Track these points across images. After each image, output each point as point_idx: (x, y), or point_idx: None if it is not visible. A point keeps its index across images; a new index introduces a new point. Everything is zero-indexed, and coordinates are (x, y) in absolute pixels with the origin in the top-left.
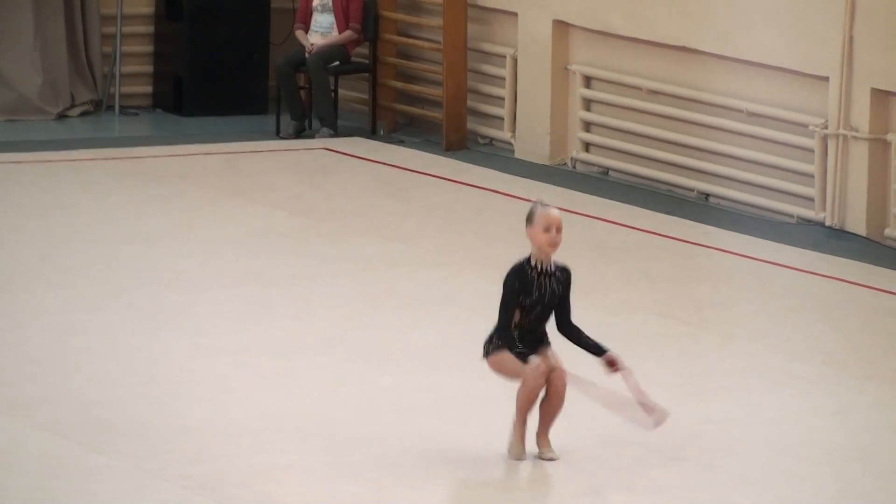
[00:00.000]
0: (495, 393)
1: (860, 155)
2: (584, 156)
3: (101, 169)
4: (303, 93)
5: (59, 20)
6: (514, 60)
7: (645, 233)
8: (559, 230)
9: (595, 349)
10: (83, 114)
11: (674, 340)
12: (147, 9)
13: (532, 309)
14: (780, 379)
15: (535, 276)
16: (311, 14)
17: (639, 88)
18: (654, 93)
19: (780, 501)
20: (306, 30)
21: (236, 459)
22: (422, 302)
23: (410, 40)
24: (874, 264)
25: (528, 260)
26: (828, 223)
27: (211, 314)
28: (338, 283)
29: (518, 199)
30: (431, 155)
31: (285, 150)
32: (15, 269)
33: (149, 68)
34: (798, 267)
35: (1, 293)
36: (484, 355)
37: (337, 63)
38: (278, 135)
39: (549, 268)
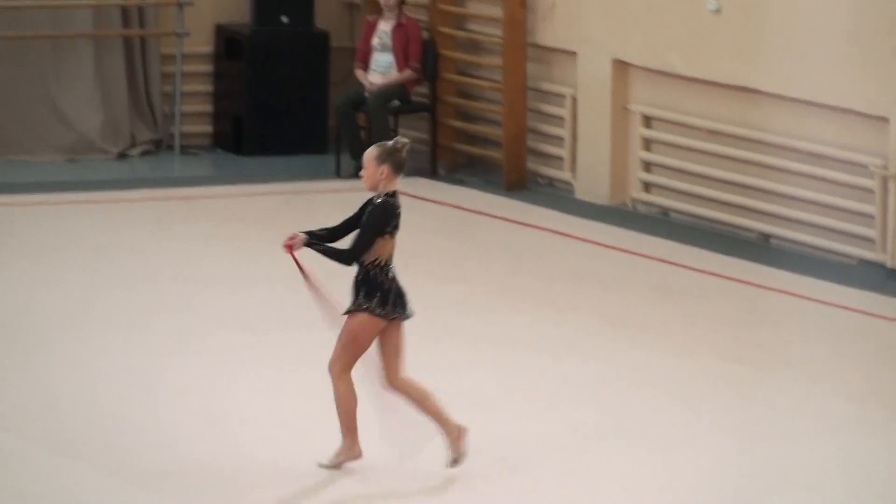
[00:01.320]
0: (551, 434)
1: None
2: (644, 196)
3: (161, 209)
4: (363, 132)
5: (119, 60)
6: (574, 100)
7: (705, 274)
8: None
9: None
10: (144, 153)
11: (734, 383)
12: (207, 48)
13: None
14: (840, 422)
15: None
16: (371, 53)
17: (698, 128)
18: (714, 133)
19: None
20: (366, 69)
21: (302, 499)
22: (481, 343)
23: (470, 79)
24: None
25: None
26: (889, 264)
27: (272, 355)
28: None
29: (578, 239)
30: (491, 195)
31: (345, 189)
32: (74, 310)
33: (209, 108)
34: (859, 308)
35: (60, 334)
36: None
37: (396, 102)
38: (338, 174)
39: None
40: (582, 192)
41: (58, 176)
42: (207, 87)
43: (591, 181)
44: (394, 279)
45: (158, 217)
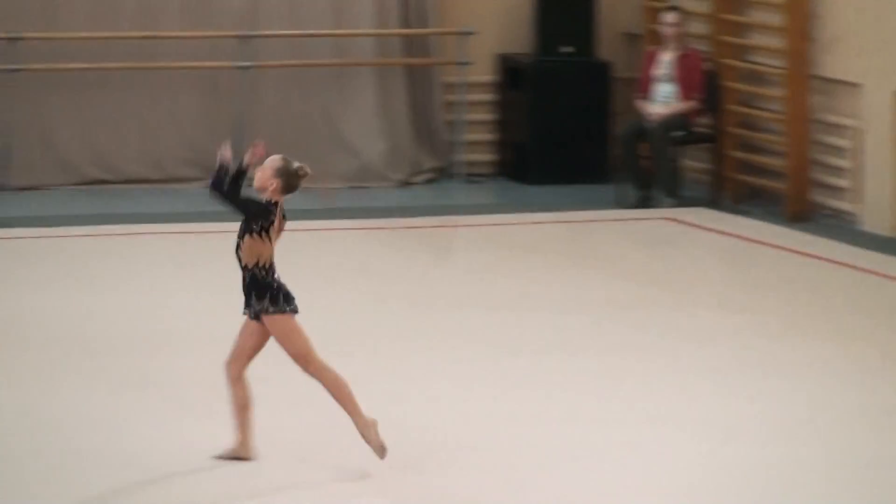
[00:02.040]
0: (842, 464)
1: None
2: None
3: (445, 236)
4: (645, 162)
5: (401, 88)
6: (858, 132)
7: None
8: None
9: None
10: (427, 181)
11: None
12: (488, 77)
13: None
14: None
15: None
16: (653, 83)
17: None
18: None
19: None
20: (647, 99)
21: None
22: (764, 372)
23: (752, 110)
24: None
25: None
26: None
27: (555, 382)
28: (681, 353)
29: (862, 271)
30: (774, 226)
31: (628, 219)
32: (348, 333)
33: (491, 136)
34: None
35: (336, 356)
36: (275, 310)
37: (679, 133)
38: (621, 204)
39: None
40: (867, 224)
41: (341, 203)
42: (490, 116)
43: (876, 213)
44: (278, 279)
45: (440, 244)
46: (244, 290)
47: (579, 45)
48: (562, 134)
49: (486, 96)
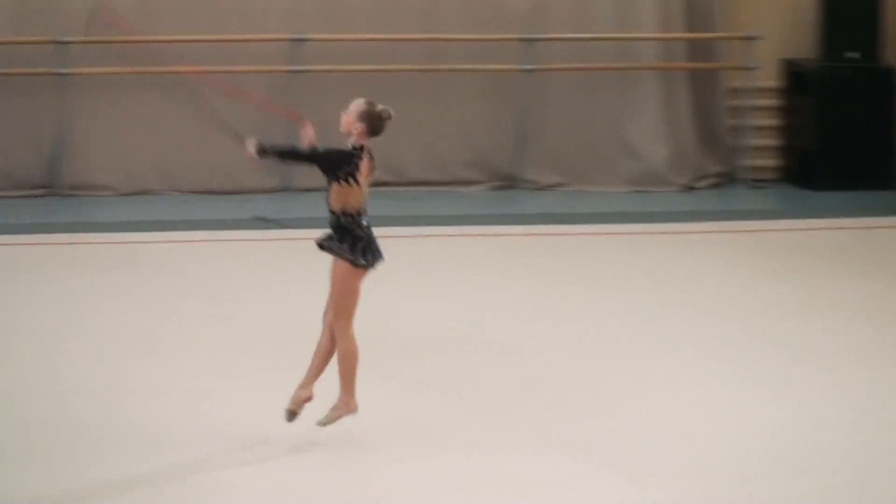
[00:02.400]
0: None
1: None
2: None
3: (726, 242)
4: None
5: (685, 92)
6: None
7: None
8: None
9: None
10: (712, 186)
11: None
12: (773, 82)
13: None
14: None
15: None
16: None
17: None
18: None
19: None
20: None
21: None
22: None
23: None
24: None
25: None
26: None
27: (843, 389)
28: None
29: None
30: None
31: None
32: (642, 337)
33: (776, 141)
34: None
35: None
36: (347, 257)
37: None
38: None
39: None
40: None
41: (624, 207)
42: (774, 121)
43: None
44: (366, 229)
45: (724, 251)
46: (330, 227)
47: (865, 50)
48: (847, 139)
49: (771, 101)
